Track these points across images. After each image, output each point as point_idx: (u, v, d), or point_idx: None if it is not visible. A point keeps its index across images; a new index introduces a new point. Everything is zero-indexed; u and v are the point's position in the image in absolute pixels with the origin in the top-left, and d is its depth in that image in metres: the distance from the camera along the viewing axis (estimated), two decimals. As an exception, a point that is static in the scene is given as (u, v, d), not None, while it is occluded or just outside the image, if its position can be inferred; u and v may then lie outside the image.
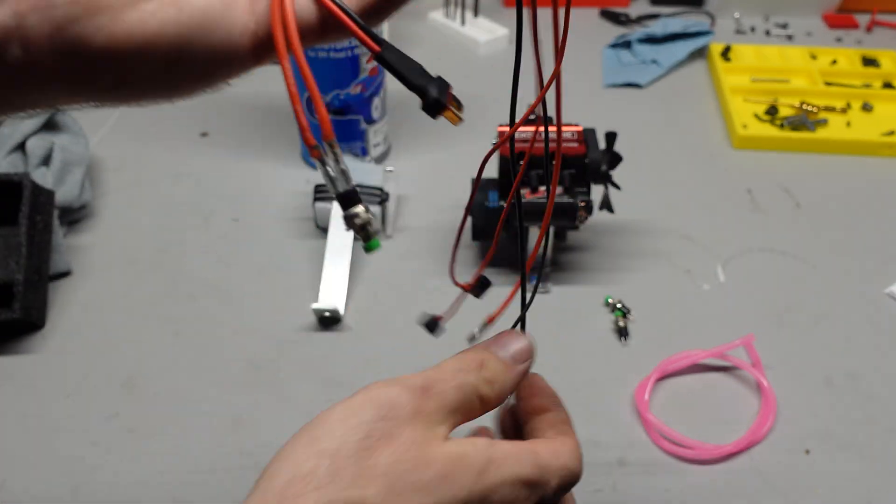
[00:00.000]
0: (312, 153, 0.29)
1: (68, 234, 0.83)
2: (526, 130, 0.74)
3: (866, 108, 1.03)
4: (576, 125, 0.75)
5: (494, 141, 0.76)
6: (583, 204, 0.73)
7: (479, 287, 0.40)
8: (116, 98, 0.30)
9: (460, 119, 0.31)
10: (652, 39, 1.18)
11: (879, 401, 0.67)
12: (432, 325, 0.41)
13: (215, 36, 0.28)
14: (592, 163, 0.74)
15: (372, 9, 0.30)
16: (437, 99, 0.29)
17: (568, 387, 0.71)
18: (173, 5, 0.28)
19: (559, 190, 0.74)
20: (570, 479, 0.35)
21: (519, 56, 0.30)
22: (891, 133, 0.99)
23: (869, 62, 1.13)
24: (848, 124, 1.01)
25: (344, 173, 0.29)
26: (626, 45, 1.18)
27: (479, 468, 0.31)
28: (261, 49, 0.30)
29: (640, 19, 1.27)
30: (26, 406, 0.67)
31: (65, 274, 0.78)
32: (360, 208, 0.30)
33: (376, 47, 0.29)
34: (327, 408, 0.32)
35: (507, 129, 0.82)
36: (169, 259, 0.81)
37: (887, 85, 1.08)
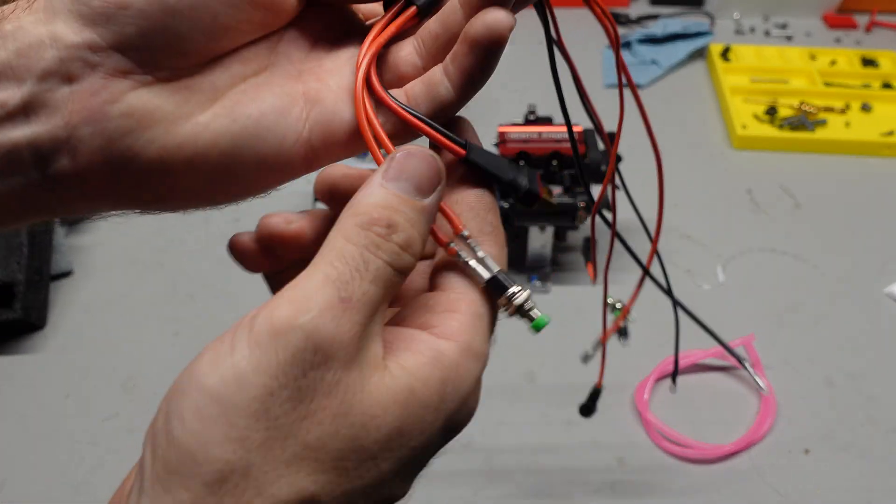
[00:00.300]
0: (448, 251, 0.27)
1: (69, 235, 0.83)
2: (526, 131, 0.74)
3: (865, 108, 1.04)
4: (576, 125, 0.75)
5: (495, 141, 0.76)
6: (582, 204, 0.73)
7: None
8: (161, 207, 0.28)
9: (554, 203, 0.31)
10: (652, 40, 1.18)
11: (879, 401, 0.67)
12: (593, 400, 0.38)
13: (267, 145, 0.27)
14: (592, 163, 0.74)
15: (441, 111, 0.29)
16: (530, 189, 0.29)
17: (568, 387, 0.71)
18: (227, 115, 0.27)
19: (558, 190, 0.74)
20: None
21: (553, 58, 0.30)
22: (890, 133, 0.99)
23: (868, 62, 1.13)
24: (847, 124, 1.01)
25: (483, 261, 0.27)
26: (627, 45, 1.18)
27: (437, 399, 0.24)
28: (313, 157, 0.28)
29: (640, 20, 1.27)
30: (26, 406, 0.67)
31: (66, 274, 0.79)
32: (512, 290, 0.26)
33: (461, 151, 0.28)
34: (218, 350, 0.23)
35: (508, 128, 0.82)
36: (169, 259, 0.81)
37: (886, 85, 1.08)
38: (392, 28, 0.28)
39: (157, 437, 0.23)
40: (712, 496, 0.60)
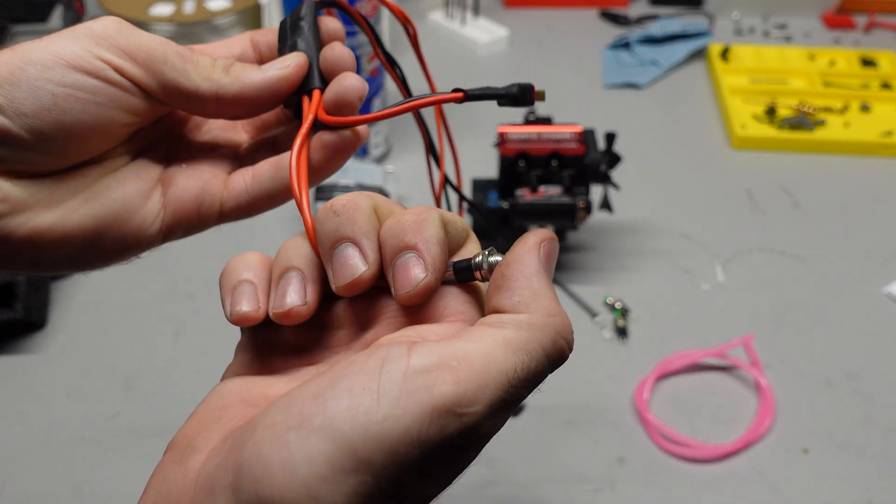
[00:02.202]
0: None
1: (68, 235, 0.83)
2: (525, 131, 0.74)
3: (864, 108, 1.04)
4: (575, 125, 0.75)
5: (494, 141, 0.76)
6: (582, 204, 0.73)
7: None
8: (33, 272, 0.31)
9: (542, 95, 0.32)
10: (651, 40, 1.18)
11: (879, 401, 0.67)
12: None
13: (130, 225, 0.31)
14: (592, 163, 0.74)
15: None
16: (522, 88, 0.31)
17: (568, 387, 0.71)
18: (95, 199, 0.30)
19: (559, 190, 0.74)
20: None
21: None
22: (889, 133, 0.99)
23: (867, 63, 1.13)
24: (846, 125, 1.01)
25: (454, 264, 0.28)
26: (626, 45, 1.18)
27: None
28: (168, 232, 0.33)
29: (640, 20, 1.27)
30: (27, 406, 0.67)
31: (66, 274, 0.79)
32: (474, 262, 0.27)
33: (460, 95, 0.31)
34: (358, 395, 0.23)
35: (507, 129, 0.82)
36: (169, 259, 0.82)
37: (885, 86, 1.08)
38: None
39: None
40: (712, 496, 0.61)
